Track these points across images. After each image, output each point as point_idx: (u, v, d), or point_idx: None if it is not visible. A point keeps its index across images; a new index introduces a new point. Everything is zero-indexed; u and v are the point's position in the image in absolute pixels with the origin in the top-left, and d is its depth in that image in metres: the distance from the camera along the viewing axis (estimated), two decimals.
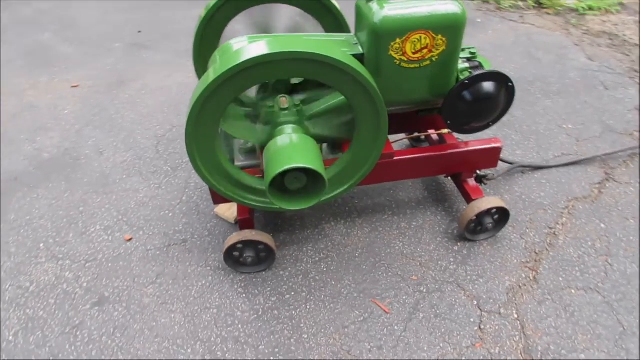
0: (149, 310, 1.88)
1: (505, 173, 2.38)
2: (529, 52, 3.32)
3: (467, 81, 1.70)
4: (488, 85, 1.72)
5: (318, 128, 1.74)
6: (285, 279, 1.97)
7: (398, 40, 1.61)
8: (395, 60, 1.66)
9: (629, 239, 2.07)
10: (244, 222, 1.94)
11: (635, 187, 2.31)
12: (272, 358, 1.72)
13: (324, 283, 1.95)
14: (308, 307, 1.87)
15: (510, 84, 1.75)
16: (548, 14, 3.86)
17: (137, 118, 2.90)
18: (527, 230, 2.13)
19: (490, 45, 3.39)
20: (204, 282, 1.98)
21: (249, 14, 2.01)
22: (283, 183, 1.56)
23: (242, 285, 1.96)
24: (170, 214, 2.26)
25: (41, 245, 2.15)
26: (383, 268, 1.99)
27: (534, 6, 3.93)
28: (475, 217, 1.97)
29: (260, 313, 1.86)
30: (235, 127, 1.71)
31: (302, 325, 1.81)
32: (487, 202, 1.96)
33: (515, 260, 2.01)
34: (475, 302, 1.86)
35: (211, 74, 1.44)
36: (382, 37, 1.60)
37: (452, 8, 1.60)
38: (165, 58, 3.53)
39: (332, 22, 2.03)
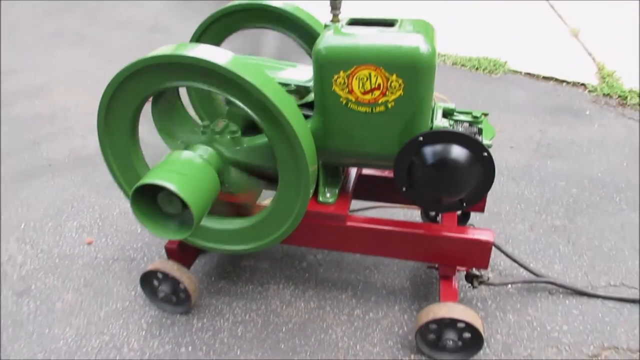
0: (53, 315, 1.77)
1: (523, 285, 1.81)
2: (637, 156, 2.62)
3: (421, 138, 1.32)
4: (450, 149, 1.31)
5: (239, 170, 1.53)
6: (193, 330, 1.70)
7: (342, 74, 1.33)
8: (341, 99, 1.37)
9: None
10: (170, 251, 1.75)
11: None
12: None
13: (229, 349, 1.63)
14: None
15: (485, 155, 1.31)
16: None
17: None
18: None
19: (587, 139, 2.77)
20: (118, 305, 1.81)
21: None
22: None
23: (150, 321, 1.74)
24: (139, 230, 2.17)
25: (22, 225, 2.23)
26: (303, 354, 1.60)
27: None
28: (433, 325, 1.49)
29: (144, 357, 1.61)
30: (163, 121, 1.57)
31: None
32: (450, 309, 1.47)
33: None
34: None
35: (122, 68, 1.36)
36: (323, 66, 1.34)
37: (412, 43, 1.28)
38: None
39: None
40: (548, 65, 3.64)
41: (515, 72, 3.63)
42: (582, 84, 3.40)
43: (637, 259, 1.94)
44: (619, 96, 3.25)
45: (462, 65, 3.72)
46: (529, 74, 3.61)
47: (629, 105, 3.17)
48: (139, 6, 5.25)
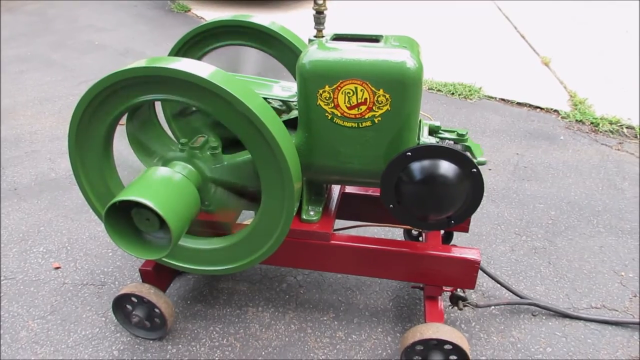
0: (16, 345, 1.66)
1: (506, 306, 1.79)
2: (612, 180, 2.68)
3: (409, 153, 1.30)
4: (438, 165, 1.30)
5: (219, 187, 1.48)
6: (168, 357, 1.61)
7: (327, 88, 1.31)
8: (327, 114, 1.35)
9: None
10: (145, 274, 1.67)
11: None
12: None
13: None
14: None
15: (474, 170, 1.30)
16: None
17: None
18: None
19: (562, 164, 2.82)
20: (88, 332, 1.70)
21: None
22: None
23: (122, 348, 1.64)
24: (110, 254, 2.08)
25: None
26: None
27: None
28: (419, 346, 1.44)
29: None
30: (139, 138, 1.52)
31: None
32: (436, 330, 1.43)
33: None
34: None
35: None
36: (307, 80, 1.32)
37: (399, 58, 1.27)
38: None
39: None
40: (522, 92, 3.73)
41: (490, 97, 3.70)
42: (555, 110, 3.49)
43: (617, 281, 1.95)
44: (592, 123, 3.34)
45: (438, 90, 3.78)
46: (503, 99, 3.69)
47: (601, 132, 3.26)
48: (111, 31, 5.18)
